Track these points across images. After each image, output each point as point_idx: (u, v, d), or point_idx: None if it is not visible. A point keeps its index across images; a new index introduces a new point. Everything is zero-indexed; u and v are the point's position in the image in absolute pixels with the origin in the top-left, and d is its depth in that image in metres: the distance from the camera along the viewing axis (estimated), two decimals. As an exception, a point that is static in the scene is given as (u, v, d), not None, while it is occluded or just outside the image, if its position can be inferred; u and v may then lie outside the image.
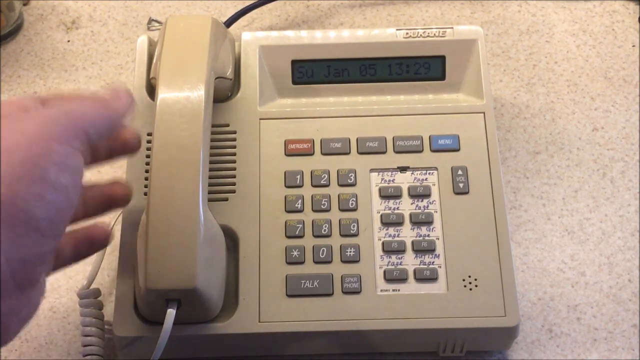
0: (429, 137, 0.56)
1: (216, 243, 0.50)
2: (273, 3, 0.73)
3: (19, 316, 0.38)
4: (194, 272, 0.47)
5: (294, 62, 0.58)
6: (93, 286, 0.55)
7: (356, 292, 0.51)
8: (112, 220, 0.56)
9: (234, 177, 0.54)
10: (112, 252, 0.57)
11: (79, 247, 0.46)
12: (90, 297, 0.54)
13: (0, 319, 0.36)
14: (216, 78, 0.54)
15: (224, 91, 0.57)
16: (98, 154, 0.46)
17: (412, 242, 0.53)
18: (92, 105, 0.41)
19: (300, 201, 0.54)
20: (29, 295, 0.38)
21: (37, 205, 0.36)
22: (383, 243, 0.53)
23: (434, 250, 0.53)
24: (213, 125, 0.52)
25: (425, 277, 0.52)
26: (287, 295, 0.51)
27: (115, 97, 0.43)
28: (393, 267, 0.52)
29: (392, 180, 0.55)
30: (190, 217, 0.47)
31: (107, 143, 0.46)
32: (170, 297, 0.47)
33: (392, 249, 0.53)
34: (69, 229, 0.42)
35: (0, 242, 0.34)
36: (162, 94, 0.50)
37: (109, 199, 0.47)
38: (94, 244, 0.47)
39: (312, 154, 0.56)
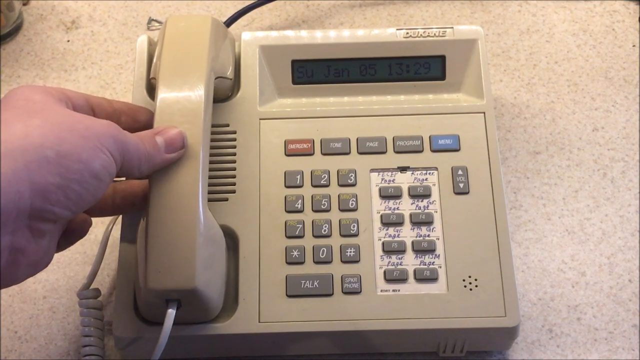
0: (429, 137, 0.56)
1: (216, 243, 0.50)
2: (273, 3, 0.73)
3: (28, 259, 0.42)
4: (194, 272, 0.47)
5: (294, 62, 0.58)
6: (93, 286, 0.55)
7: (356, 292, 0.51)
8: (112, 220, 0.56)
9: (234, 177, 0.54)
10: (112, 252, 0.57)
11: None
12: (90, 297, 0.54)
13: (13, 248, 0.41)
14: (216, 78, 0.54)
15: (224, 91, 0.57)
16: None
17: (412, 242, 0.53)
18: (147, 151, 0.46)
19: (300, 201, 0.54)
20: (38, 241, 0.42)
21: (74, 179, 0.41)
22: (383, 243, 0.53)
23: (434, 250, 0.53)
24: (213, 125, 0.52)
25: (425, 277, 0.52)
26: (287, 295, 0.51)
27: (168, 148, 0.47)
28: (393, 267, 0.52)
29: (392, 181, 0.55)
30: (190, 218, 0.47)
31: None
32: (170, 298, 0.47)
33: (392, 249, 0.53)
34: None
35: (31, 185, 0.39)
36: (162, 94, 0.50)
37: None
38: (70, 236, 0.49)
39: (312, 154, 0.56)
